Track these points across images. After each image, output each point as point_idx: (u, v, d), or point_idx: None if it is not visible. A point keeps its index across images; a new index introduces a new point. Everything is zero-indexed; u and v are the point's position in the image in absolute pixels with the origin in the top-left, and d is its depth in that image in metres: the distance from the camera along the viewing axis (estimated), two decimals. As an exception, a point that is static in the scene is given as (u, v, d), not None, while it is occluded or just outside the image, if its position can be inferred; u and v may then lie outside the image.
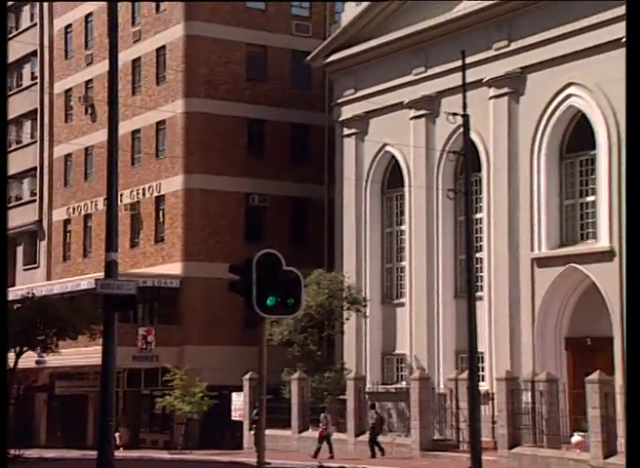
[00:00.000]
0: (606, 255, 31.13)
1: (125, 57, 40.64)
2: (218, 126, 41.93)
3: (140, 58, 44.27)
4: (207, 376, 38.42)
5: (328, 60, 40.48)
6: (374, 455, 32.16)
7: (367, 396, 35.20)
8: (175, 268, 41.63)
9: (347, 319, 37.26)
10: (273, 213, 42.80)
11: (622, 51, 30.25)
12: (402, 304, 37.66)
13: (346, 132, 40.05)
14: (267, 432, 18.16)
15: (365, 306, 37.22)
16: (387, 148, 38.31)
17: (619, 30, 30.43)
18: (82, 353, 38.16)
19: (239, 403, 38.04)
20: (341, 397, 35.03)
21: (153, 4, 43.92)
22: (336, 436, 34.20)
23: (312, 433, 34.89)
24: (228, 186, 42.00)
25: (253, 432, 36.39)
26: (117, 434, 40.55)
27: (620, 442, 27.25)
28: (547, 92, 32.88)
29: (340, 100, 40.38)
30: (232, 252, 38.01)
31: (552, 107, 32.91)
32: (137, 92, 44.48)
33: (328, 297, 36.40)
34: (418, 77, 37.12)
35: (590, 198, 32.43)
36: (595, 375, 26.69)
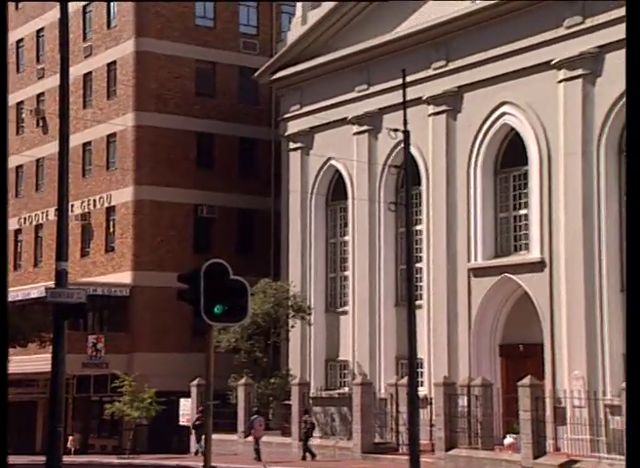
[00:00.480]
0: (537, 266, 31.24)
1: (76, 71, 40.91)
2: (167, 139, 42.13)
3: (91, 72, 44.45)
4: (156, 383, 38.55)
5: (275, 77, 40.28)
6: (304, 458, 32.52)
7: (311, 401, 35.29)
8: (125, 277, 41.83)
9: (293, 326, 37.35)
10: (221, 224, 43.12)
11: (553, 72, 31.17)
12: (345, 312, 37.72)
13: (292, 146, 40.07)
14: (214, 436, 18.39)
15: (309, 314, 37.32)
16: (332, 162, 38.42)
17: (548, 53, 31.10)
18: (32, 360, 38.29)
19: (187, 408, 38.02)
20: (286, 402, 35.07)
21: (104, 20, 44.23)
22: (280, 440, 34.46)
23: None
24: (177, 198, 42.25)
25: (194, 436, 36.91)
26: (71, 438, 40.90)
27: (549, 443, 28.02)
28: (483, 110, 33.03)
29: (286, 116, 40.39)
30: (181, 261, 38.19)
31: (487, 125, 33.06)
32: (88, 105, 44.67)
33: (274, 306, 36.33)
34: (360, 94, 37.13)
35: (523, 211, 32.49)
36: (527, 380, 27.08)
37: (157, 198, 42.03)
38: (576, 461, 26.30)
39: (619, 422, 26.11)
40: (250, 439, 34.54)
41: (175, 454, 37.26)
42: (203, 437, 34.72)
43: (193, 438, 36.88)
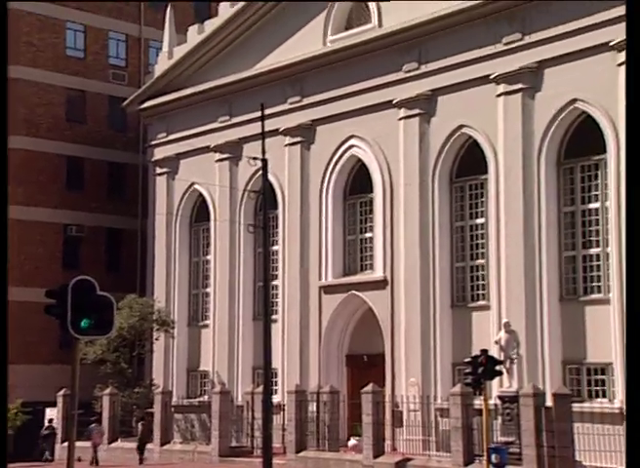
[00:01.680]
0: (380, 284, 32.03)
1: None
2: (38, 162, 41.96)
3: (-37, 96, 44.28)
4: (22, 393, 38.17)
5: (142, 106, 40.43)
6: (141, 461, 32.91)
7: (173, 409, 35.39)
8: (-11, 293, 41.50)
9: (157, 339, 37.46)
10: (90, 242, 43.19)
11: (395, 110, 32.17)
12: (206, 326, 37.87)
13: (159, 171, 40.22)
14: (78, 444, 18.60)
15: (173, 328, 37.52)
16: (195, 186, 38.65)
17: (391, 93, 32.08)
18: None
19: (52, 417, 37.88)
20: (150, 410, 35.03)
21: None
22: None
23: (121, 444, 34.98)
24: (47, 217, 42.10)
25: (42, 446, 36.88)
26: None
27: (388, 443, 29.09)
28: (333, 142, 33.74)
29: (153, 143, 40.53)
30: (50, 278, 37.87)
31: (337, 155, 33.76)
32: (-41, 128, 44.37)
33: (139, 320, 36.29)
34: (223, 124, 37.43)
35: (368, 234, 33.15)
36: (369, 387, 28.07)
37: (26, 217, 41.56)
38: (410, 459, 27.54)
39: (447, 423, 27.27)
40: (114, 445, 34.70)
41: (40, 463, 36.74)
42: (61, 444, 35.06)
43: (58, 446, 36.84)
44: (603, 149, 27.67)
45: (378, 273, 32.56)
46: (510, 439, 25.49)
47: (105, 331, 14.65)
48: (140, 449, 33.33)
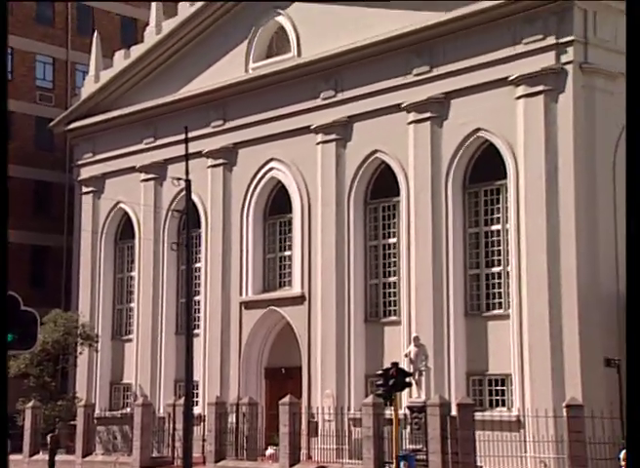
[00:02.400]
0: (298, 300, 32.48)
1: None
2: (-38, 180, 42.11)
3: None
4: None
5: (69, 127, 40.50)
6: None
7: (96, 421, 35.28)
8: None
9: (81, 353, 37.35)
10: (16, 259, 42.74)
11: (313, 135, 32.85)
12: (130, 340, 37.93)
13: (85, 190, 40.22)
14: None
15: (97, 341, 37.40)
16: (121, 205, 38.74)
17: (309, 118, 32.76)
18: None
19: None
20: (72, 423, 34.96)
21: None
22: (65, 458, 34.18)
23: (42, 456, 34.62)
24: (-31, 234, 42.04)
25: None
26: None
27: (304, 452, 29.50)
28: (254, 164, 34.21)
29: (79, 162, 40.55)
30: None
31: (258, 177, 34.23)
32: None
33: (63, 334, 36.12)
34: (148, 146, 37.70)
35: (287, 253, 33.65)
36: (286, 399, 28.65)
37: (-56, 235, 41.47)
38: (324, 467, 28.28)
39: (359, 432, 27.94)
40: (35, 458, 34.51)
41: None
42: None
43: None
44: (504, 175, 28.92)
45: (296, 289, 33.09)
46: (418, 446, 26.42)
47: (29, 346, 14.53)
48: (51, 461, 33.01)
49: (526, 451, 26.45)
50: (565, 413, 25.08)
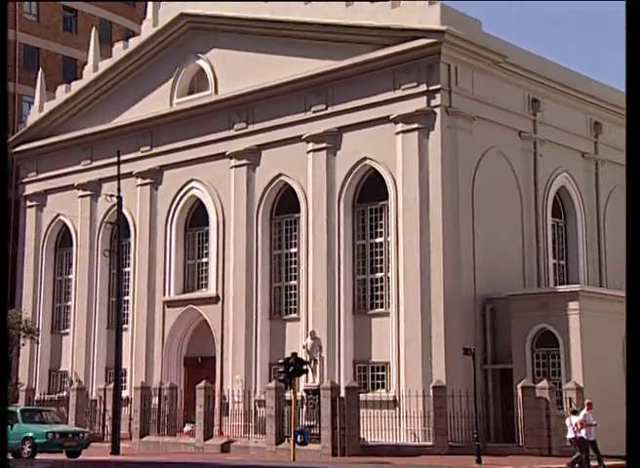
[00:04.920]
0: (213, 300, 32.51)
1: None
2: None
3: None
4: None
5: (16, 150, 40.18)
6: None
7: (36, 403, 34.67)
8: None
9: (23, 345, 36.76)
10: None
11: (227, 160, 33.06)
12: (67, 333, 37.57)
13: (29, 204, 39.85)
14: None
15: (38, 335, 36.72)
16: (61, 217, 38.37)
17: (225, 146, 32.92)
18: None
19: None
20: (15, 405, 33.68)
21: None
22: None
23: None
24: None
25: None
26: None
27: (216, 429, 29.58)
28: (177, 184, 34.33)
29: (24, 180, 40.20)
30: None
31: (180, 195, 34.29)
32: None
33: (8, 329, 35.17)
34: (85, 167, 37.51)
35: (205, 259, 33.64)
36: (202, 384, 29.09)
37: None
38: (233, 441, 28.56)
39: (263, 412, 28.28)
40: None
41: None
42: None
43: None
44: (386, 197, 29.74)
45: (211, 291, 33.14)
46: (312, 423, 26.91)
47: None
48: None
49: (400, 425, 27.18)
50: (432, 393, 26.05)
